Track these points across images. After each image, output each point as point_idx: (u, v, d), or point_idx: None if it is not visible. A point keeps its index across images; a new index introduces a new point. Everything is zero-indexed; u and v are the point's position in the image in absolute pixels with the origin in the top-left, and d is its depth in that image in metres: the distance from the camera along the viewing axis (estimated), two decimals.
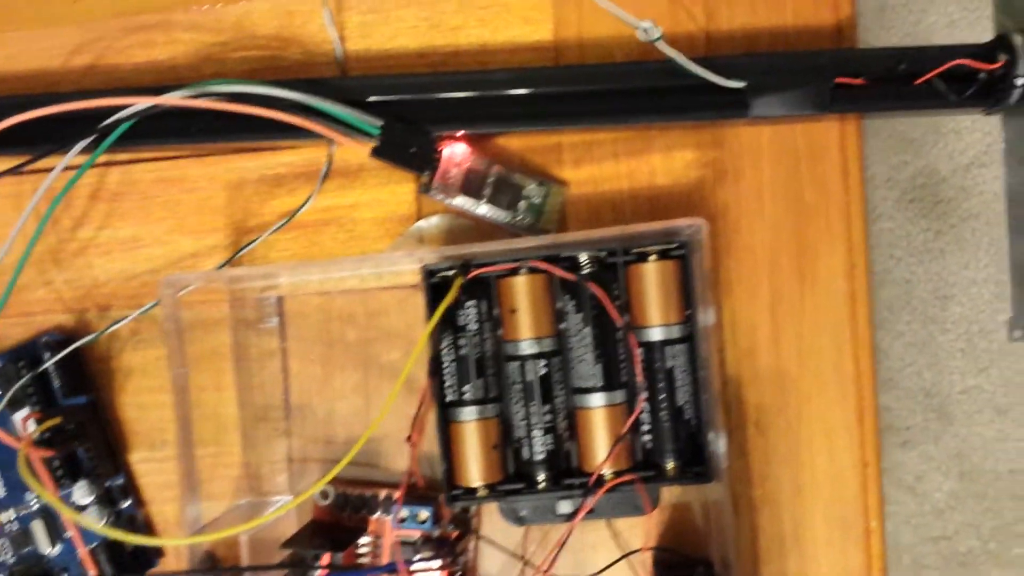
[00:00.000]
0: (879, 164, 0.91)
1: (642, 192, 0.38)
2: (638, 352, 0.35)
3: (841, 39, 0.37)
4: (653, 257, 0.35)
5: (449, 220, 0.39)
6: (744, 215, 0.38)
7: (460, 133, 0.37)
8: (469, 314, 0.36)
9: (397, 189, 0.39)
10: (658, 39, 0.34)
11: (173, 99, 0.35)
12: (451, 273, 0.36)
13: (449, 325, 0.36)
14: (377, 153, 0.36)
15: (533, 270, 0.36)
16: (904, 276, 0.92)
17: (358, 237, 0.39)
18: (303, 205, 0.39)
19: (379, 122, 0.36)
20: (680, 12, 0.38)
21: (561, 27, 0.38)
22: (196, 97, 0.35)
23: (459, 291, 0.35)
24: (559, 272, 0.35)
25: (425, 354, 0.35)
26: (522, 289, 0.36)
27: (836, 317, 0.37)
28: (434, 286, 0.36)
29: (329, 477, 0.36)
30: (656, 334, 0.35)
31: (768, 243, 0.38)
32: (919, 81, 0.35)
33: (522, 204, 0.37)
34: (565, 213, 0.38)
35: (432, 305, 0.35)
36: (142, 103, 0.35)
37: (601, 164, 0.38)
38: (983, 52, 0.34)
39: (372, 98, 0.37)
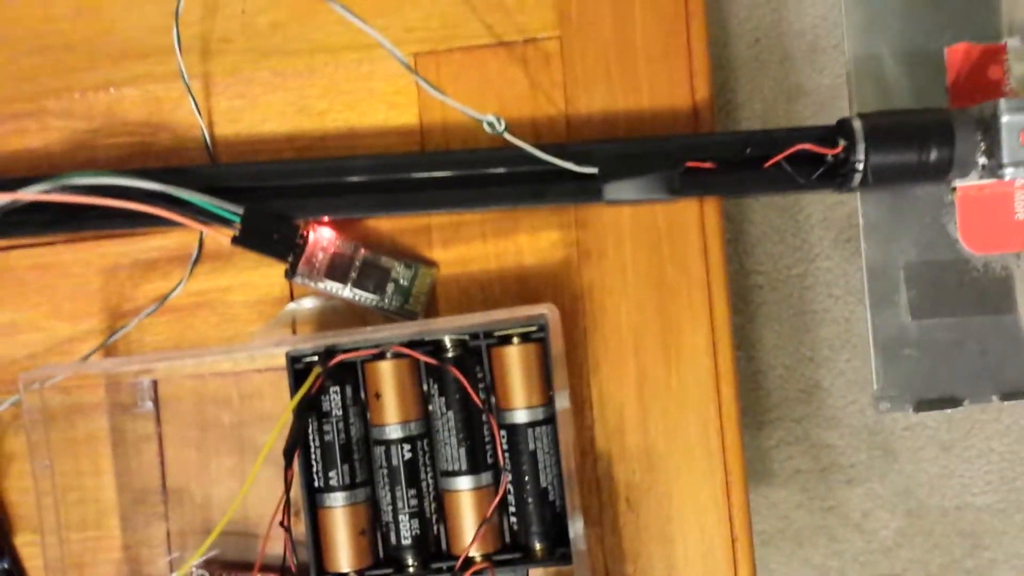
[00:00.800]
0: (815, 204, 0.91)
1: (510, 272, 0.38)
2: (500, 435, 0.36)
3: (698, 121, 0.38)
4: (516, 340, 0.36)
5: (321, 302, 0.39)
6: (609, 294, 0.38)
7: (326, 218, 0.37)
8: (334, 399, 0.36)
9: (269, 272, 0.39)
10: (503, 131, 0.34)
11: (29, 195, 0.35)
12: (316, 359, 0.36)
13: (314, 411, 0.36)
14: (237, 241, 0.36)
15: (398, 355, 0.36)
16: (843, 315, 0.92)
17: (231, 320, 0.39)
18: (174, 289, 0.39)
19: (240, 210, 0.36)
20: (540, 97, 0.38)
21: (426, 112, 0.39)
22: (54, 191, 0.35)
23: (324, 377, 0.36)
24: (421, 357, 0.36)
25: (290, 439, 0.35)
26: (386, 374, 0.36)
27: (701, 394, 0.38)
28: (299, 372, 0.36)
29: (196, 557, 0.36)
30: (520, 416, 0.36)
31: (633, 322, 0.38)
32: (768, 164, 0.35)
33: (390, 287, 0.38)
34: (434, 294, 0.39)
35: (296, 392, 0.35)
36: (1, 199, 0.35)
37: (470, 244, 0.39)
38: (828, 135, 0.34)
39: (237, 185, 0.37)
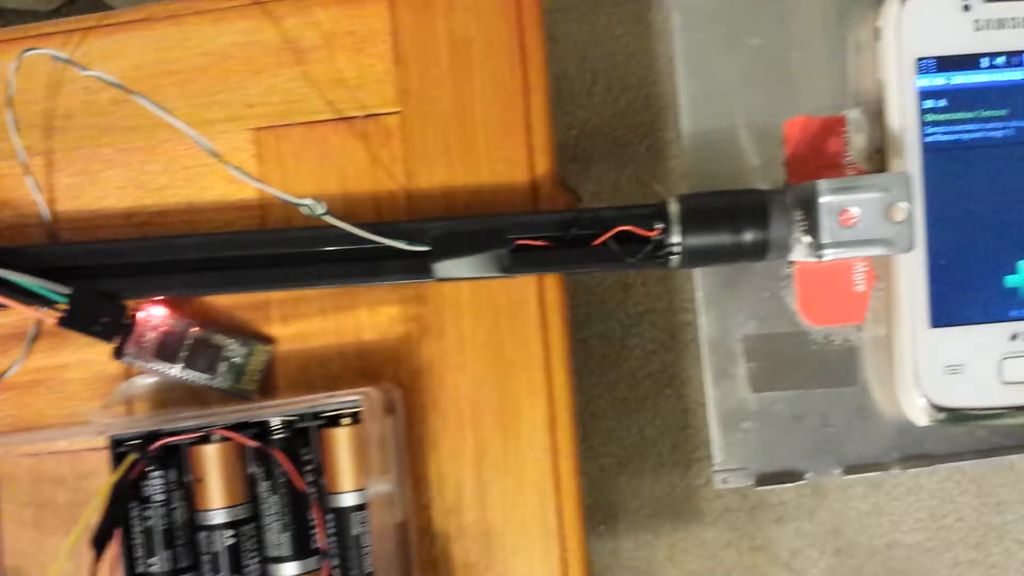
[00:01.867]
0: None
1: (350, 348, 0.38)
2: (326, 519, 0.35)
3: (538, 197, 0.38)
4: (346, 421, 0.35)
5: (157, 380, 0.38)
6: (448, 370, 0.38)
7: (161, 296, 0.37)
8: (156, 484, 0.35)
9: (105, 350, 0.38)
10: (323, 214, 0.34)
11: None
12: (139, 443, 0.35)
13: (136, 496, 0.35)
14: (64, 323, 0.36)
15: (224, 437, 0.36)
16: None
17: (68, 398, 0.39)
18: (10, 368, 0.38)
19: (67, 291, 0.36)
20: (381, 172, 0.38)
21: None
22: None
23: (145, 461, 0.35)
24: (245, 440, 0.35)
25: (100, 528, 0.34)
26: (210, 458, 0.35)
27: (539, 471, 0.37)
28: (122, 457, 0.35)
29: None
30: (346, 500, 0.35)
31: (471, 398, 0.38)
32: (596, 242, 0.35)
33: (222, 365, 0.37)
34: (272, 371, 0.38)
35: (120, 478, 0.35)
36: None
37: (309, 320, 0.38)
38: (651, 215, 0.34)
39: (71, 264, 0.37)
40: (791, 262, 0.37)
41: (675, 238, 0.33)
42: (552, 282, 0.38)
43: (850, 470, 0.38)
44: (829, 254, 0.33)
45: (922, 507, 0.93)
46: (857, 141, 0.37)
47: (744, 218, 0.33)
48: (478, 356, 0.38)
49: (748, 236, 0.33)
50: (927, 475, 0.94)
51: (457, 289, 0.38)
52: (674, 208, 0.33)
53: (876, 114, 0.36)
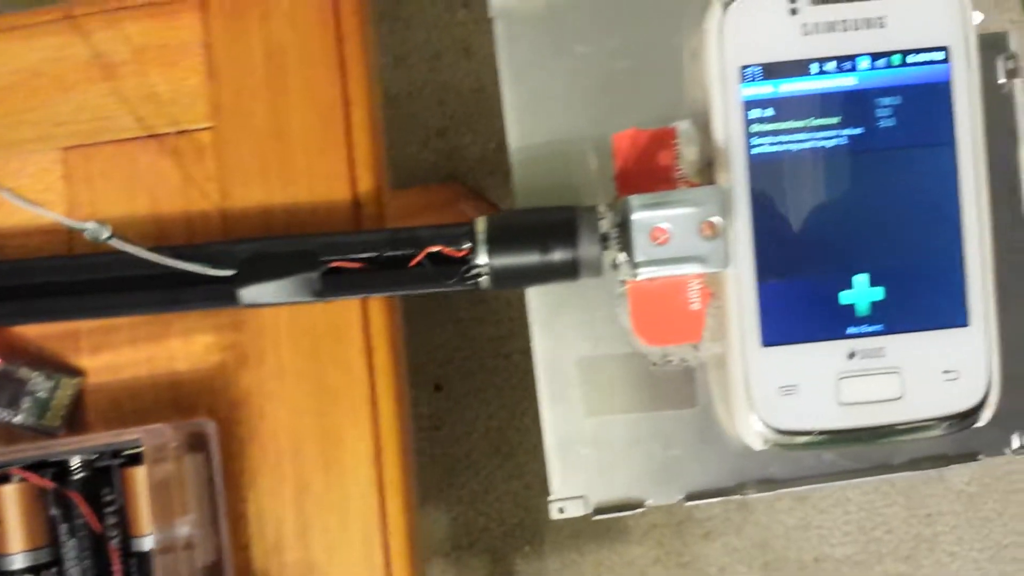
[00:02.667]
0: None
1: (162, 379, 0.36)
2: (122, 565, 0.33)
3: (361, 215, 0.36)
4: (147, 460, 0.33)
5: None
6: (267, 401, 0.36)
7: None
8: None
9: None
10: (108, 238, 0.32)
11: None
12: None
13: None
14: None
15: (23, 478, 0.33)
16: None
17: None
18: None
19: None
20: (193, 191, 0.36)
21: (74, 209, 0.36)
22: None
23: None
24: (39, 481, 0.33)
25: None
26: (7, 499, 0.33)
27: (364, 507, 0.35)
28: None
29: None
30: (147, 543, 0.33)
31: (292, 430, 0.36)
32: (412, 263, 0.33)
33: (26, 400, 0.35)
34: (81, 405, 0.36)
35: None
36: None
37: (119, 350, 0.36)
38: (462, 235, 0.32)
39: None
40: (623, 281, 0.36)
41: (482, 258, 0.31)
42: (379, 304, 0.36)
43: (692, 497, 0.36)
44: (644, 272, 0.32)
45: (850, 520, 0.92)
46: (688, 154, 0.35)
47: (552, 237, 0.31)
48: (298, 385, 0.36)
49: (557, 255, 0.31)
50: (855, 487, 0.92)
51: (275, 314, 0.36)
52: (481, 227, 0.32)
53: (707, 125, 0.35)
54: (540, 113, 0.36)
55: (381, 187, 0.36)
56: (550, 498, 0.36)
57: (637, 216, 0.31)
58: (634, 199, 0.31)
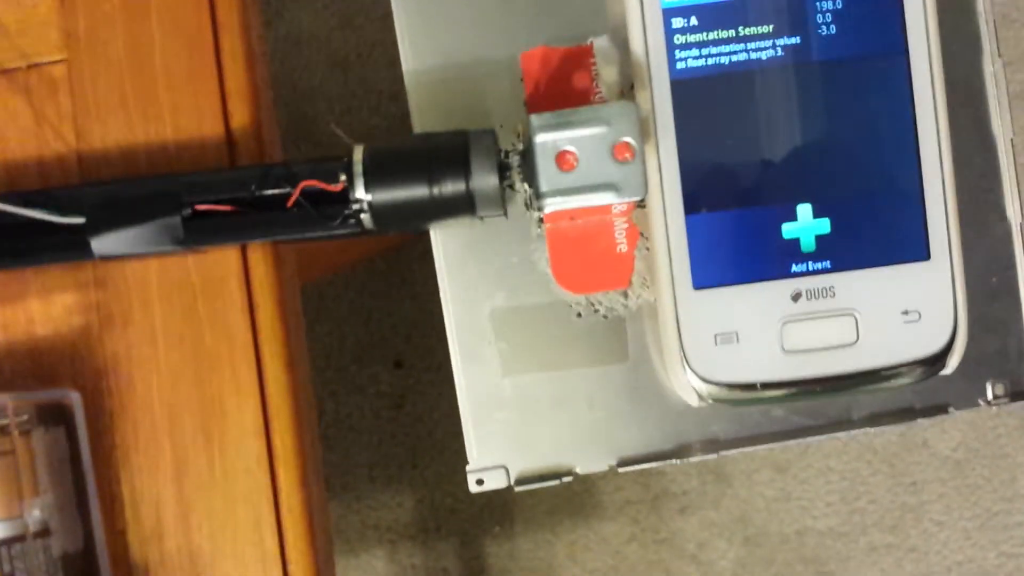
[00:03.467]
0: None
1: (20, 345, 0.32)
2: None
3: (236, 152, 0.31)
4: None
5: None
6: (138, 367, 0.32)
7: None
8: None
9: None
10: None
11: None
12: None
13: None
14: None
15: None
16: None
17: None
18: None
19: None
20: (47, 132, 0.32)
21: None
22: None
23: None
24: None
25: None
26: None
27: (252, 484, 0.31)
28: None
29: None
30: None
31: (168, 400, 0.31)
32: (289, 203, 0.29)
33: None
34: None
35: None
36: None
37: None
38: (339, 168, 0.28)
39: None
40: (540, 220, 0.31)
41: (359, 192, 0.27)
42: (261, 253, 0.32)
43: (624, 463, 0.32)
44: (550, 204, 0.27)
45: (832, 490, 0.88)
46: (607, 74, 0.31)
47: (440, 165, 0.27)
48: (172, 349, 0.31)
49: (447, 187, 0.27)
50: (836, 455, 0.89)
51: (143, 268, 0.32)
52: (358, 156, 0.27)
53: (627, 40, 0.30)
54: (438, 31, 0.31)
55: (261, 121, 0.32)
56: (468, 468, 0.32)
57: (540, 138, 0.27)
58: (535, 118, 0.27)
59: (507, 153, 0.28)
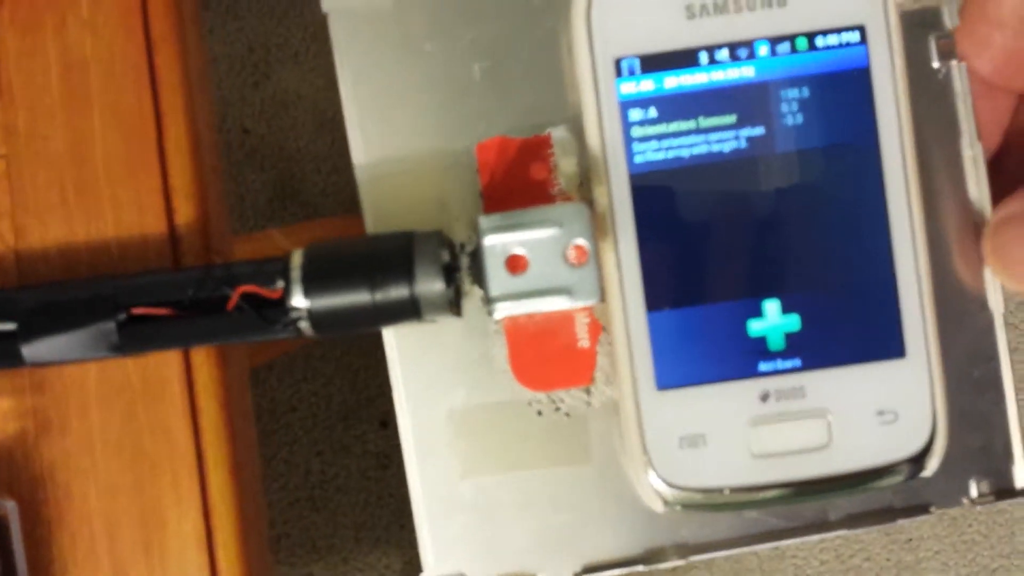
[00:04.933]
0: None
1: None
2: None
3: (180, 250, 0.30)
4: None
5: None
6: (75, 476, 0.30)
7: None
8: None
9: None
10: None
11: None
12: None
13: None
14: None
15: None
16: None
17: None
18: None
19: None
20: None
21: None
22: None
23: None
24: None
25: None
26: None
27: None
28: None
29: None
30: None
31: (105, 510, 0.30)
32: (230, 306, 0.27)
33: None
34: None
35: None
36: None
37: None
38: (278, 270, 0.27)
39: None
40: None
41: (297, 299, 0.26)
42: (204, 355, 0.30)
43: (590, 568, 0.31)
44: (500, 310, 0.26)
45: (827, 547, 0.86)
46: (566, 166, 0.30)
47: (383, 269, 0.26)
48: (111, 457, 0.30)
49: (391, 293, 0.26)
50: (832, 511, 0.86)
51: (82, 372, 0.30)
52: (296, 261, 0.26)
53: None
54: (390, 123, 0.30)
55: (207, 216, 0.31)
56: (423, 575, 0.30)
57: (488, 241, 0.26)
58: (484, 220, 0.26)
59: (455, 255, 0.27)
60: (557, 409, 0.30)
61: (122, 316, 0.28)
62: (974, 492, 0.31)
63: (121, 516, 0.30)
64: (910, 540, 0.86)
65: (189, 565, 0.30)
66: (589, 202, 0.28)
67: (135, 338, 0.28)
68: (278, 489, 0.88)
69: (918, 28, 0.30)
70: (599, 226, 0.28)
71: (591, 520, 0.31)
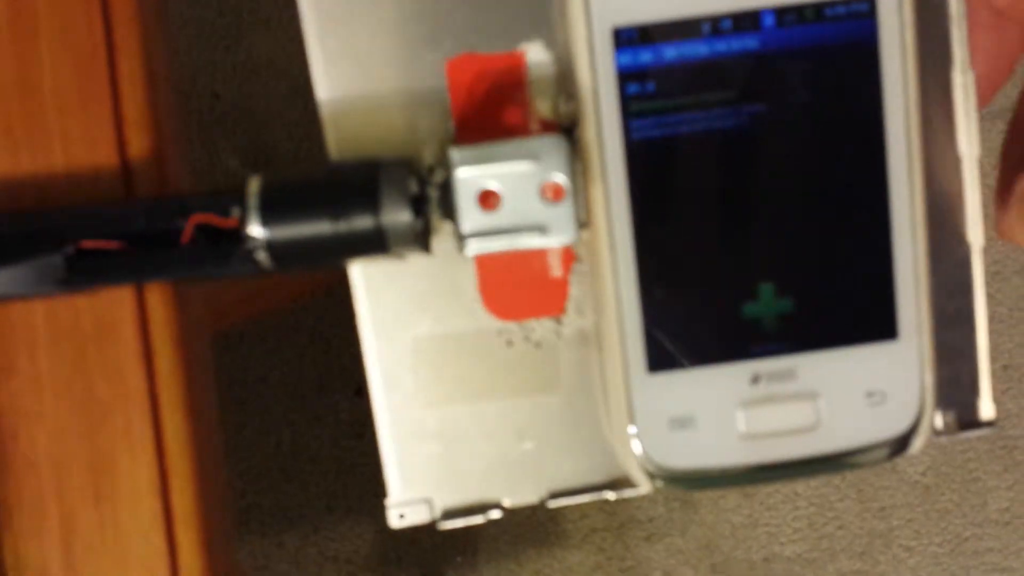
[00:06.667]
0: None
1: None
2: None
3: (133, 183, 0.29)
4: None
5: None
6: (23, 420, 0.29)
7: None
8: None
9: None
10: None
11: None
12: None
13: None
14: None
15: None
16: None
17: None
18: None
19: None
20: None
21: None
22: None
23: None
24: None
25: None
26: None
27: (148, 548, 0.28)
28: None
29: None
30: None
31: (54, 456, 0.29)
32: (184, 240, 0.26)
33: None
34: None
35: None
36: None
37: None
38: (232, 200, 0.25)
39: None
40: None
41: (254, 229, 0.24)
42: (159, 294, 0.29)
43: (555, 495, 0.30)
44: (472, 247, 0.25)
45: (800, 516, 0.86)
46: (544, 87, 0.28)
47: (347, 199, 0.24)
48: (60, 400, 0.29)
49: (355, 223, 0.24)
50: (803, 481, 0.87)
51: (28, 311, 0.29)
52: (253, 188, 0.25)
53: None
54: (356, 56, 0.29)
55: (163, 151, 0.29)
56: (388, 502, 0.29)
57: (460, 174, 0.24)
58: (455, 152, 0.25)
59: (425, 185, 0.26)
60: (527, 339, 0.29)
61: (69, 249, 0.26)
62: (939, 423, 0.30)
63: (70, 462, 0.29)
64: (883, 508, 0.86)
65: (142, 512, 0.28)
66: (569, 131, 0.27)
67: (83, 272, 0.26)
68: (249, 459, 0.87)
69: None
70: (594, 209, 0.26)
71: (557, 448, 0.30)
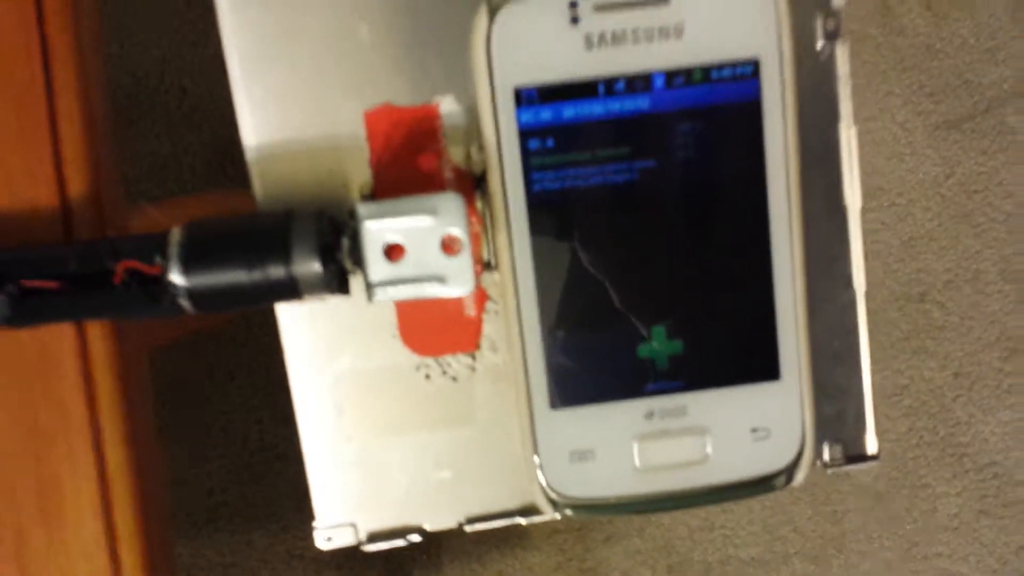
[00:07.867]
0: None
1: None
2: None
3: (73, 222, 0.31)
4: None
5: None
6: None
7: None
8: None
9: None
10: None
11: None
12: None
13: None
14: None
15: None
16: None
17: None
18: None
19: None
20: None
21: None
22: None
23: None
24: None
25: None
26: None
27: (91, 569, 0.30)
28: None
29: None
30: None
31: (4, 480, 0.30)
32: (117, 281, 0.28)
33: None
34: None
35: None
36: None
37: None
38: (156, 248, 0.27)
39: None
40: None
41: (176, 276, 0.26)
42: (99, 328, 0.31)
43: (472, 521, 0.32)
44: (379, 295, 0.27)
45: (755, 519, 0.89)
46: (457, 136, 0.30)
47: (261, 249, 0.26)
48: (9, 427, 0.31)
49: (271, 272, 0.26)
50: None
51: None
52: (175, 238, 0.27)
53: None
54: (280, 104, 0.31)
55: (101, 190, 0.31)
56: (315, 525, 0.32)
57: (367, 227, 0.26)
58: (362, 207, 0.27)
59: (340, 232, 0.28)
60: (444, 373, 0.32)
61: (12, 288, 0.28)
62: (827, 456, 0.33)
63: (21, 482, 0.30)
64: (835, 512, 0.89)
65: (86, 533, 0.30)
66: (481, 178, 0.29)
67: (26, 310, 0.28)
68: (217, 457, 0.88)
69: (806, 8, 0.31)
70: (499, 256, 0.28)
71: (474, 476, 0.32)
